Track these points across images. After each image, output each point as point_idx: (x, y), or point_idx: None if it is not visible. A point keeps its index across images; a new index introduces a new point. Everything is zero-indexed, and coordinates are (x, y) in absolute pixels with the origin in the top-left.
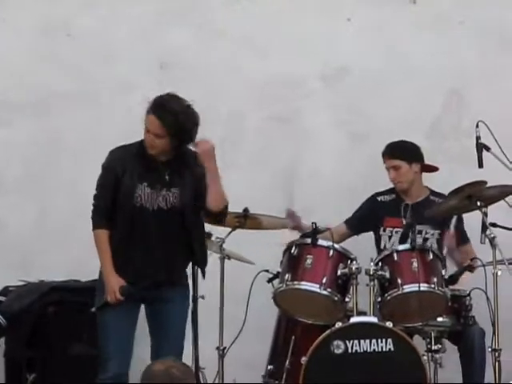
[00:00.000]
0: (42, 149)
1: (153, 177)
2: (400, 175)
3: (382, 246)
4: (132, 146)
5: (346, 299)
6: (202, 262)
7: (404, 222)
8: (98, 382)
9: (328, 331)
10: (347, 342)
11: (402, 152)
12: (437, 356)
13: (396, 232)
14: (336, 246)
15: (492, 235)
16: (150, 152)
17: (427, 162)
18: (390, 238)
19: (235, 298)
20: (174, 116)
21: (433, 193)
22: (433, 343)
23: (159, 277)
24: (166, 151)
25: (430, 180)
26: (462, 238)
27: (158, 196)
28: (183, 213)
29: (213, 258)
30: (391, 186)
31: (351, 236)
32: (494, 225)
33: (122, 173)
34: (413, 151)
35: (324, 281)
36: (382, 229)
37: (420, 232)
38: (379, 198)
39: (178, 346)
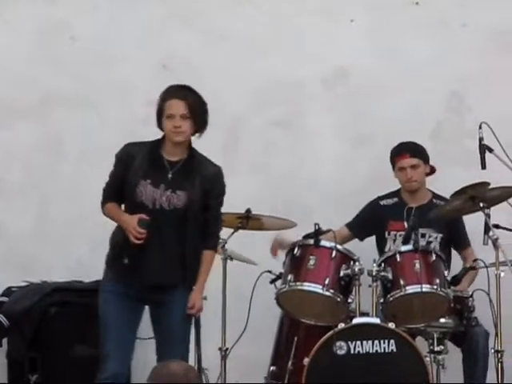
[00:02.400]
0: (43, 152)
1: (157, 175)
2: (417, 174)
3: (386, 250)
4: (146, 144)
5: (349, 300)
6: (190, 277)
7: (406, 224)
8: (97, 382)
9: (331, 332)
10: (350, 342)
11: (420, 151)
12: (439, 357)
13: (400, 235)
14: (339, 246)
15: (495, 236)
16: (176, 140)
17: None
18: (394, 241)
19: (238, 298)
20: (195, 96)
21: (435, 196)
22: (435, 344)
23: (157, 278)
24: (187, 138)
25: (432, 181)
26: (463, 241)
27: (162, 195)
28: (186, 215)
29: (215, 259)
30: (392, 189)
31: (353, 239)
32: (496, 226)
33: (130, 167)
34: (426, 152)
35: (327, 282)
36: (386, 233)
37: (423, 235)
38: (382, 202)
39: (183, 348)
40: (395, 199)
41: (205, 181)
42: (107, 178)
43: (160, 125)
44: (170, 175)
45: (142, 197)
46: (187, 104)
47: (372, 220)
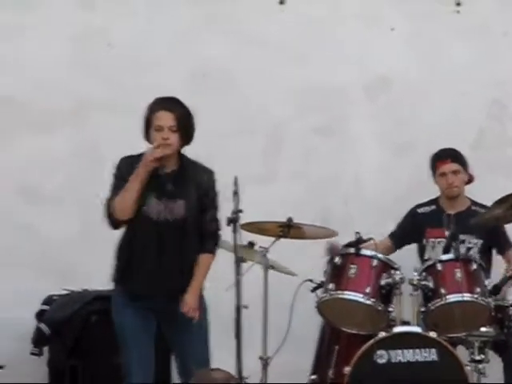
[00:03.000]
0: (82, 158)
1: (159, 187)
2: (458, 180)
3: (425, 257)
4: (140, 156)
5: (390, 309)
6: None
7: (446, 232)
8: None
9: (371, 341)
10: (390, 351)
11: (460, 157)
12: (480, 366)
13: (439, 242)
14: (379, 255)
15: None
16: (165, 152)
17: (470, 171)
18: (433, 248)
19: (279, 307)
20: (183, 108)
21: (474, 203)
22: (476, 353)
23: (168, 289)
24: (176, 151)
25: (473, 189)
26: (505, 244)
27: (166, 207)
28: (186, 224)
29: (256, 267)
30: (431, 197)
31: (396, 250)
32: None
33: None
34: (465, 159)
35: (368, 290)
36: (424, 240)
37: (463, 241)
38: (419, 210)
39: (203, 358)
40: (433, 206)
41: (199, 187)
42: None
43: (147, 136)
44: (168, 186)
45: (148, 210)
46: (175, 116)
47: (411, 228)
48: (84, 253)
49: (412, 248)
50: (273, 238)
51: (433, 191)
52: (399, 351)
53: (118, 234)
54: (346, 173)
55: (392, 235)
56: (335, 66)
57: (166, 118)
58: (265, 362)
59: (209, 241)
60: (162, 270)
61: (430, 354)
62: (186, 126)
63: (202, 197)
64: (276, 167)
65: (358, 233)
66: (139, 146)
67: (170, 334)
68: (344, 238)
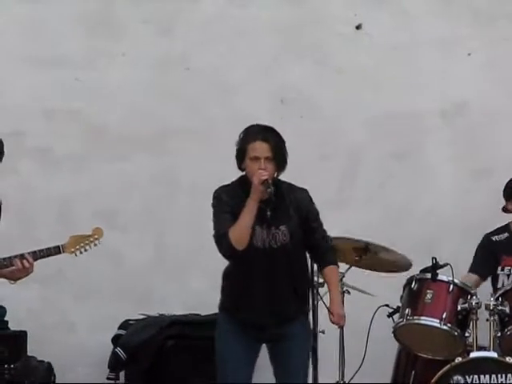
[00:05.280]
0: (160, 184)
1: (259, 215)
2: None
3: (499, 285)
4: (234, 185)
5: (466, 334)
6: (302, 300)
7: None
8: None
9: (448, 366)
10: (467, 377)
11: None
12: None
13: None
14: (456, 280)
15: None
16: (264, 180)
17: None
18: (508, 276)
19: (355, 332)
20: (278, 137)
21: None
22: None
23: (280, 315)
24: (271, 178)
25: None
26: None
27: (268, 234)
28: (294, 247)
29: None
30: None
31: (482, 282)
32: None
33: (235, 206)
34: None
35: (444, 316)
36: (499, 268)
37: None
38: (494, 238)
39: (303, 381)
40: (506, 234)
41: (299, 209)
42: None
43: (240, 165)
44: (268, 213)
45: (253, 238)
46: (271, 146)
47: (489, 257)
48: (160, 277)
49: None
50: (347, 265)
51: (509, 216)
52: (475, 376)
53: (193, 260)
54: (423, 199)
55: (474, 270)
56: (412, 92)
57: (262, 149)
58: None
59: (328, 254)
60: (274, 297)
61: (507, 380)
62: (280, 155)
63: (305, 217)
64: (352, 191)
65: (434, 258)
66: (215, 172)
67: (274, 356)
68: (421, 264)
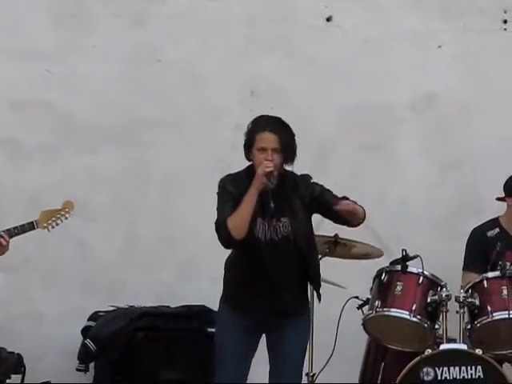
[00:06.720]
0: (131, 175)
1: (261, 207)
2: None
3: None
4: (240, 174)
5: (436, 326)
6: (316, 286)
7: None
8: None
9: (418, 358)
10: (437, 368)
11: None
12: None
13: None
14: (426, 272)
15: None
16: (268, 172)
17: None
18: None
19: (325, 324)
20: (287, 129)
21: None
22: None
23: (280, 308)
24: (278, 170)
25: None
26: None
27: (270, 226)
28: (295, 241)
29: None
30: (480, 215)
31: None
32: None
33: (239, 195)
34: None
35: (414, 308)
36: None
37: None
38: (489, 234)
39: (298, 374)
40: (497, 229)
41: (303, 196)
42: (216, 211)
43: (248, 155)
44: (272, 204)
45: (254, 230)
46: (279, 138)
47: (484, 253)
48: (130, 269)
49: (458, 265)
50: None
51: (479, 208)
52: (445, 368)
53: (163, 252)
54: (393, 190)
55: (470, 267)
56: (383, 84)
57: (270, 140)
58: (311, 379)
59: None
60: (275, 289)
61: (476, 372)
62: (288, 147)
63: (311, 197)
64: (322, 183)
65: (404, 250)
66: (188, 163)
67: (272, 344)
68: (390, 256)
